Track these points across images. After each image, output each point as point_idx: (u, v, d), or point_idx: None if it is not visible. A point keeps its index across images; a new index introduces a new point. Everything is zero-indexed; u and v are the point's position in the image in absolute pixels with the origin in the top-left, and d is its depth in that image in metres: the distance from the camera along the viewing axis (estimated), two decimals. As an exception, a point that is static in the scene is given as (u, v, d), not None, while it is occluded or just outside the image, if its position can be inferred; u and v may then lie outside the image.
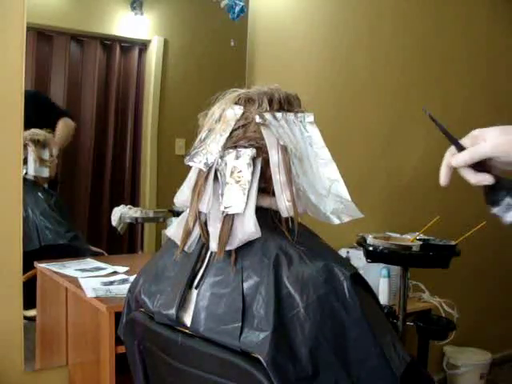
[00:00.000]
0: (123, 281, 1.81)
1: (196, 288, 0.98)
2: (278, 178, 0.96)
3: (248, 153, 0.97)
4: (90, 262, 2.05)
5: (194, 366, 0.96)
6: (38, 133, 2.09)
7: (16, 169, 1.96)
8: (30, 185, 2.07)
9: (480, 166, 0.75)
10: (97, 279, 1.82)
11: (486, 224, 1.89)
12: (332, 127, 2.69)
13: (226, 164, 0.97)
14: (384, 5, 2.96)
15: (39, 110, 2.16)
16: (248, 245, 0.94)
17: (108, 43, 2.26)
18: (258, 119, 0.98)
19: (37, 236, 2.08)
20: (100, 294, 1.67)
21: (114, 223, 2.27)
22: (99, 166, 2.31)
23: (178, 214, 2.14)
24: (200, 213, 0.99)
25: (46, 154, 2.11)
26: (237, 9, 2.40)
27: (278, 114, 1.00)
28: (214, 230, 0.96)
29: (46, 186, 2.18)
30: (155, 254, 1.15)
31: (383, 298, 2.41)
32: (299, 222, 0.98)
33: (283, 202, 0.96)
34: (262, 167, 0.98)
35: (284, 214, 0.96)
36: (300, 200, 0.98)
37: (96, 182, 2.31)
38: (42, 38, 2.11)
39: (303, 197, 0.99)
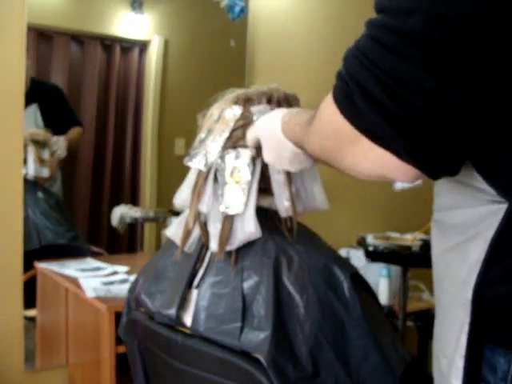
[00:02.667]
0: (123, 281, 1.81)
1: (196, 288, 0.98)
2: (277, 177, 0.96)
3: (248, 153, 0.97)
4: (90, 262, 2.05)
5: (194, 366, 0.96)
6: (38, 133, 2.10)
7: (16, 169, 1.96)
8: (30, 185, 2.07)
9: None
10: (97, 279, 1.82)
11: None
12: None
13: (225, 164, 0.97)
14: (384, 5, 2.96)
15: (58, 107, 2.18)
16: (248, 245, 0.94)
17: (108, 43, 2.26)
18: (255, 119, 0.98)
19: (37, 236, 2.08)
20: (100, 294, 1.68)
21: (114, 223, 2.27)
22: (99, 166, 2.31)
23: (177, 213, 2.14)
24: (200, 213, 0.99)
25: (45, 154, 2.11)
26: (237, 9, 2.40)
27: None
28: (214, 230, 0.96)
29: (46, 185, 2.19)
30: (155, 254, 1.15)
31: (383, 298, 2.40)
32: (299, 222, 0.98)
33: (282, 202, 0.96)
34: (261, 167, 0.98)
35: (282, 214, 0.96)
36: (299, 199, 0.98)
37: (96, 182, 2.31)
38: (42, 37, 2.11)
39: (303, 193, 0.99)
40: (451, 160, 0.57)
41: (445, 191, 0.68)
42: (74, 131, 2.22)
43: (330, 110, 0.62)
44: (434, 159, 0.56)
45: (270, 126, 0.90)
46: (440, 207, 0.70)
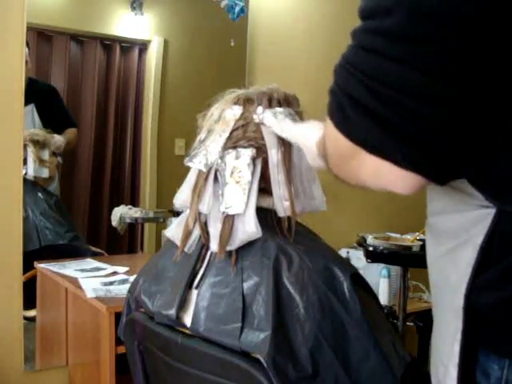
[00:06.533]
0: (123, 281, 1.81)
1: (196, 288, 0.98)
2: (277, 177, 0.96)
3: (248, 153, 0.97)
4: (90, 262, 2.05)
5: (194, 366, 0.96)
6: (38, 133, 2.09)
7: (16, 169, 1.96)
8: (30, 185, 2.07)
9: None
10: (97, 279, 1.82)
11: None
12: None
13: (225, 164, 0.97)
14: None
15: (53, 107, 2.17)
16: (248, 245, 0.94)
17: (108, 43, 2.26)
18: (257, 118, 0.98)
19: (37, 236, 2.08)
20: (100, 294, 1.67)
21: (114, 223, 2.26)
22: (99, 166, 2.31)
23: (178, 214, 2.14)
24: (200, 213, 0.99)
25: (45, 155, 2.11)
26: (237, 9, 2.40)
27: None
28: (215, 230, 0.96)
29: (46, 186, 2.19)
30: (155, 254, 1.15)
31: (383, 298, 2.40)
32: (299, 222, 0.98)
33: (281, 202, 0.96)
34: (261, 167, 0.98)
35: (280, 213, 0.96)
36: (298, 199, 0.98)
37: (96, 182, 2.31)
38: (42, 37, 2.11)
39: (302, 193, 0.99)
40: (454, 162, 0.54)
41: (437, 195, 0.67)
42: (71, 132, 2.21)
43: (328, 128, 0.60)
44: (437, 163, 0.53)
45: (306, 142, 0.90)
46: (432, 211, 0.69)
